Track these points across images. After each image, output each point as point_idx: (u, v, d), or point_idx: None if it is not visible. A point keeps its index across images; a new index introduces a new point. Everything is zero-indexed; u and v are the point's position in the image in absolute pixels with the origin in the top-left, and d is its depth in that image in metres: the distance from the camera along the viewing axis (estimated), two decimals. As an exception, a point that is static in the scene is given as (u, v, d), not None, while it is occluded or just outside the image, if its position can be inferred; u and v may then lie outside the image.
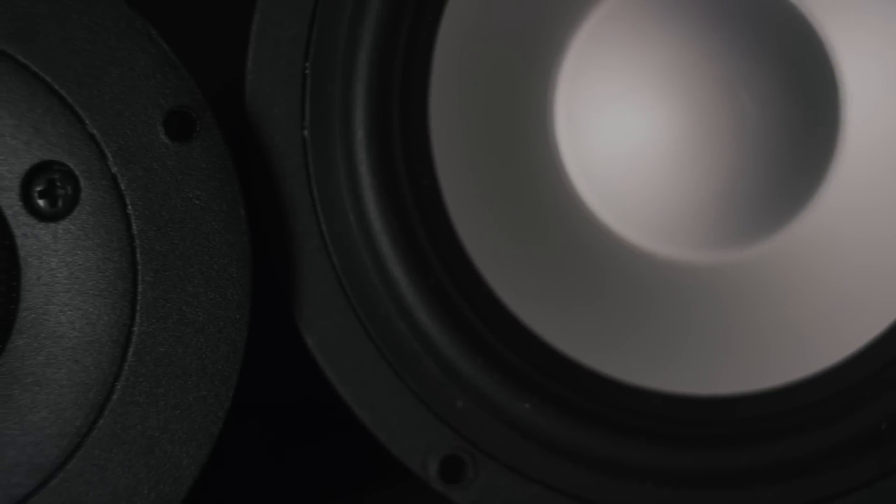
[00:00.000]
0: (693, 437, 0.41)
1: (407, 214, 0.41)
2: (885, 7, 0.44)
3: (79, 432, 0.40)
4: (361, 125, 0.41)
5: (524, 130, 0.45)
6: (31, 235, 0.40)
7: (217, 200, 0.40)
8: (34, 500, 0.40)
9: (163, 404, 0.40)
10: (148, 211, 0.40)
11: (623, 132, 0.45)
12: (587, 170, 0.45)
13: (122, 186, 0.40)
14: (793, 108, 0.44)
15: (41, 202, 0.40)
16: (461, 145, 0.43)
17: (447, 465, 0.42)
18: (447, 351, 0.41)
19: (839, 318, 0.43)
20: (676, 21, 0.45)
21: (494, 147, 0.44)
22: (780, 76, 0.44)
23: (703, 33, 0.44)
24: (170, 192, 0.40)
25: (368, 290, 0.42)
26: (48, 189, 0.40)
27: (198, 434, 0.40)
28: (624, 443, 0.41)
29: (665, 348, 0.43)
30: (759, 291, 0.44)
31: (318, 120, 0.42)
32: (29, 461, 0.40)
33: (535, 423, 0.41)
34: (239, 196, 0.41)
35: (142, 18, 0.41)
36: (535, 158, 0.45)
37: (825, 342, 0.43)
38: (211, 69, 0.43)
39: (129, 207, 0.40)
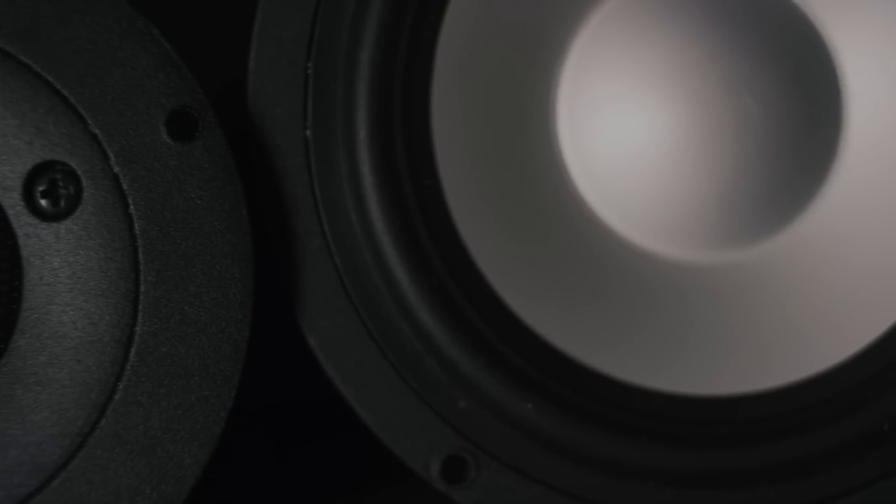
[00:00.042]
0: (695, 438, 0.41)
1: (409, 214, 0.41)
2: (887, 7, 0.44)
3: (81, 432, 0.40)
4: (363, 125, 0.41)
5: (526, 130, 0.45)
6: (33, 235, 0.40)
7: (219, 200, 0.40)
8: (36, 499, 0.40)
9: (165, 404, 0.40)
10: (150, 211, 0.40)
11: (625, 132, 0.45)
12: (589, 170, 0.45)
13: (125, 186, 0.40)
14: (795, 107, 0.44)
15: (43, 202, 0.40)
16: (463, 145, 0.43)
17: (449, 465, 0.42)
18: (449, 351, 0.41)
19: (841, 318, 0.43)
20: (678, 21, 0.45)
21: (496, 147, 0.44)
22: (782, 76, 0.44)
23: (705, 33, 0.44)
24: (172, 192, 0.40)
25: (370, 290, 0.42)
26: (50, 189, 0.40)
27: (200, 434, 0.40)
28: (626, 443, 0.41)
29: (667, 348, 0.43)
30: (762, 291, 0.44)
31: (321, 120, 0.42)
32: (31, 461, 0.40)
33: (538, 423, 0.41)
34: (241, 196, 0.41)
35: (144, 18, 0.41)
36: (537, 158, 0.45)
37: (827, 342, 0.43)
38: (213, 69, 0.43)
39: (132, 207, 0.40)
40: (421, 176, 0.42)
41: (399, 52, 0.41)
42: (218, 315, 0.40)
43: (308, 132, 0.42)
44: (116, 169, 0.40)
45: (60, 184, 0.40)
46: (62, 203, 0.40)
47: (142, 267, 0.40)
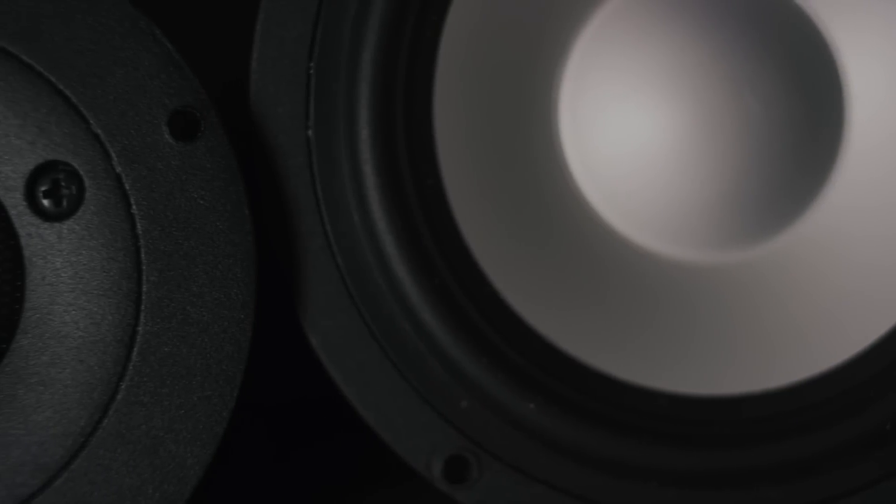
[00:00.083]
0: (698, 438, 0.41)
1: (411, 214, 0.41)
2: (889, 8, 0.44)
3: (83, 432, 0.40)
4: (366, 125, 0.41)
5: (528, 130, 0.45)
6: (35, 235, 0.40)
7: (221, 200, 0.40)
8: (39, 499, 0.40)
9: (167, 404, 0.40)
10: (152, 211, 0.40)
11: (627, 132, 0.45)
12: (591, 169, 0.45)
13: (127, 186, 0.40)
14: (797, 108, 0.44)
15: (46, 202, 0.40)
16: (465, 145, 0.43)
17: (451, 465, 0.42)
18: (451, 351, 0.41)
19: (844, 317, 0.43)
20: (681, 21, 0.45)
21: (499, 147, 0.44)
22: (785, 76, 0.44)
23: (708, 33, 0.44)
24: (174, 192, 0.40)
25: (372, 290, 0.42)
26: (53, 189, 0.40)
27: (202, 434, 0.40)
28: (628, 443, 0.41)
29: (669, 348, 0.43)
30: (764, 291, 0.44)
31: (323, 119, 0.42)
32: (33, 461, 0.40)
33: (540, 423, 0.41)
34: (243, 196, 0.41)
35: (146, 18, 0.41)
36: (540, 158, 0.45)
37: (830, 342, 0.43)
38: (215, 69, 0.43)
39: (134, 207, 0.40)
40: (423, 176, 0.42)
41: (401, 51, 0.41)
42: (220, 315, 0.40)
43: (310, 132, 0.42)
44: (119, 169, 0.40)
45: (63, 184, 0.40)
46: (64, 203, 0.40)
47: (144, 267, 0.40)
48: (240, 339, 0.40)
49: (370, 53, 0.41)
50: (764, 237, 0.45)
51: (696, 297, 0.44)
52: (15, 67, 0.40)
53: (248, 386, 0.40)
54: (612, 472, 0.41)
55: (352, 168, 0.42)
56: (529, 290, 0.43)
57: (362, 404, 0.42)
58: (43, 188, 0.40)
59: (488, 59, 0.44)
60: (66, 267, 0.40)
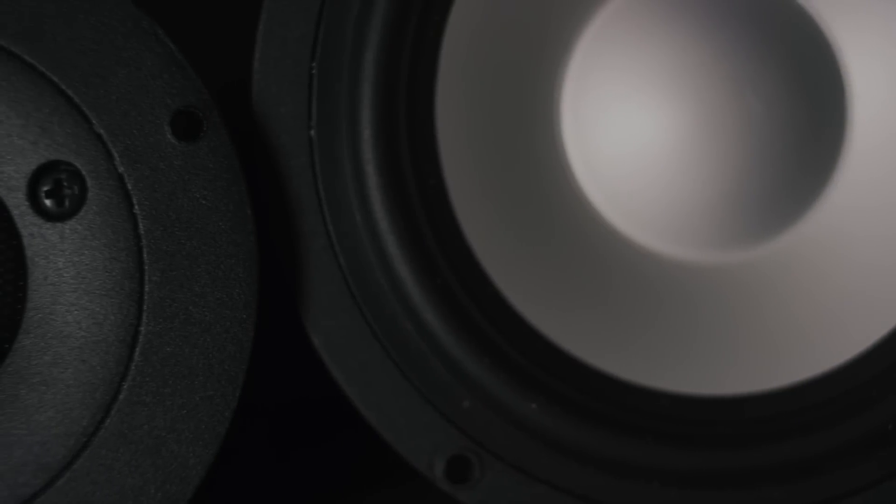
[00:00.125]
0: (700, 438, 0.41)
1: (413, 214, 0.41)
2: (891, 8, 0.44)
3: (85, 432, 0.40)
4: (368, 125, 0.41)
5: (531, 130, 0.45)
6: (37, 235, 0.40)
7: (224, 200, 0.40)
8: (41, 499, 0.40)
9: (169, 404, 0.40)
10: (155, 211, 0.40)
11: (629, 132, 0.45)
12: (593, 169, 0.45)
13: (129, 186, 0.40)
14: (799, 108, 0.44)
15: (48, 202, 0.40)
16: (467, 145, 0.43)
17: (453, 465, 0.42)
18: (453, 351, 0.41)
19: (846, 317, 0.43)
20: (683, 21, 0.45)
21: (501, 147, 0.44)
22: (787, 76, 0.44)
23: (710, 33, 0.44)
24: (176, 192, 0.40)
25: (375, 290, 0.42)
26: (55, 189, 0.40)
27: (204, 434, 0.40)
28: (630, 443, 0.41)
29: (672, 348, 0.43)
30: (766, 291, 0.44)
31: (325, 119, 0.42)
32: (35, 461, 0.40)
33: (542, 423, 0.41)
34: (245, 196, 0.41)
35: (148, 18, 0.41)
36: (542, 158, 0.45)
37: (832, 342, 0.43)
38: (218, 69, 0.43)
39: (136, 207, 0.40)
40: (425, 176, 0.42)
41: (404, 52, 0.42)
42: (222, 315, 0.40)
43: (312, 132, 0.42)
44: (121, 169, 0.40)
45: (65, 184, 0.40)
46: (67, 203, 0.40)
47: (146, 267, 0.40)
48: (242, 339, 0.40)
49: (372, 53, 0.41)
50: (766, 237, 0.45)
51: (699, 297, 0.44)
52: (17, 67, 0.40)
53: (251, 386, 0.40)
54: (614, 472, 0.41)
55: (354, 168, 0.42)
56: (531, 290, 0.43)
57: (364, 404, 0.42)
58: (45, 188, 0.40)
59: (491, 59, 0.44)
60: (68, 267, 0.40)
